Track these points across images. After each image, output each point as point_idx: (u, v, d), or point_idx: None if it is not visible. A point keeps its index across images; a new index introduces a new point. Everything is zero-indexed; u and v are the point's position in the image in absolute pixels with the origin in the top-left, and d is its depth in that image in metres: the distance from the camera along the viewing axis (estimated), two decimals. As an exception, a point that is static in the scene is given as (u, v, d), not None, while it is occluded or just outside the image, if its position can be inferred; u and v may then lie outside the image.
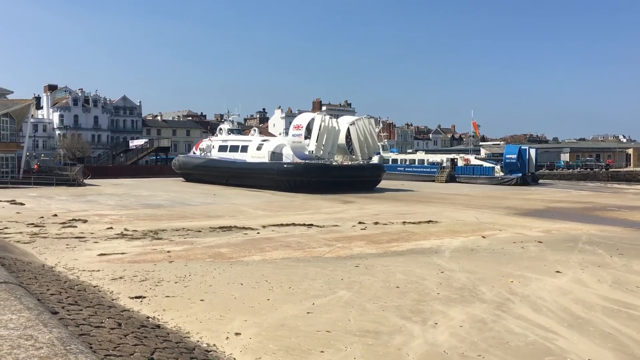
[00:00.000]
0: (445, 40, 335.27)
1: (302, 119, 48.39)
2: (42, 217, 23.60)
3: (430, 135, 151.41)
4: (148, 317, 8.94)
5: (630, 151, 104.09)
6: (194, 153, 60.72)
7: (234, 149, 53.27)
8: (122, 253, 15.34)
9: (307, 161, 45.40)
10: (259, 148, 50.28)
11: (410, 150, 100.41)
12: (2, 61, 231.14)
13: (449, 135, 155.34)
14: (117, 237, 18.49)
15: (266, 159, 48.32)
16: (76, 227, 20.84)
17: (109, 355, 5.74)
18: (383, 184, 52.86)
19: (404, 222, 23.55)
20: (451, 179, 62.40)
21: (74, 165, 58.12)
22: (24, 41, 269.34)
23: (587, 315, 9.84)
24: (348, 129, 49.32)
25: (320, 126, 45.32)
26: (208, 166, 54.78)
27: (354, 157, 49.77)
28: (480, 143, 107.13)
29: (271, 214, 27.16)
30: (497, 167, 61.52)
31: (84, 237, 18.12)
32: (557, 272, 13.54)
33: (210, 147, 56.80)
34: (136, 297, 10.30)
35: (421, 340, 8.33)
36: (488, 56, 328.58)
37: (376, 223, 23.19)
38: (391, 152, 76.23)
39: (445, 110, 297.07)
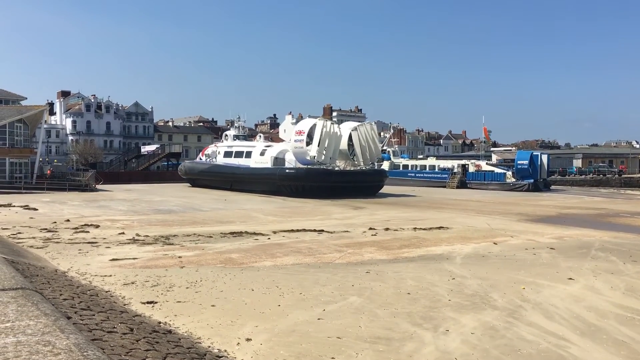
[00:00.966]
0: (457, 45, 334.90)
1: (304, 125, 49.06)
2: (55, 222, 23.80)
3: (441, 141, 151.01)
4: (160, 323, 8.98)
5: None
6: (200, 159, 61.52)
7: (239, 154, 54.00)
8: (134, 258, 15.42)
9: (309, 166, 45.99)
10: (262, 154, 50.98)
11: (421, 156, 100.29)
12: (17, 68, 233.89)
13: (460, 141, 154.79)
14: (129, 242, 18.59)
15: (269, 164, 49.01)
16: (88, 232, 21.00)
17: (121, 360, 5.78)
18: (393, 189, 52.81)
19: (415, 228, 23.49)
20: (462, 184, 62.19)
21: (87, 171, 58.58)
22: (37, 48, 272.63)
23: (600, 323, 9.75)
24: (350, 135, 49.90)
25: (321, 132, 46.01)
26: (213, 171, 55.51)
27: (356, 162, 50.27)
28: (492, 149, 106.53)
29: (282, 219, 27.20)
30: (509, 173, 61.22)
31: (96, 242, 18.25)
32: (570, 279, 13.44)
33: (216, 153, 57.60)
34: (148, 302, 10.35)
35: (432, 347, 8.30)
36: (499, 61, 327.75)
37: (387, 229, 23.14)
38: (402, 158, 76.08)
39: (456, 116, 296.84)
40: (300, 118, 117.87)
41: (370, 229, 23.12)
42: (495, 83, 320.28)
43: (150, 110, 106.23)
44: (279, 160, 48.51)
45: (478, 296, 11.50)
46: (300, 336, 8.66)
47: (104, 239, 19.19)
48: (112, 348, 6.16)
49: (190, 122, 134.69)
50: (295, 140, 48.32)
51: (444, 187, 62.32)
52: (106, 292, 11.01)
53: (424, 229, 23.26)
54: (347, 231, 22.39)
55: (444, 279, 13.21)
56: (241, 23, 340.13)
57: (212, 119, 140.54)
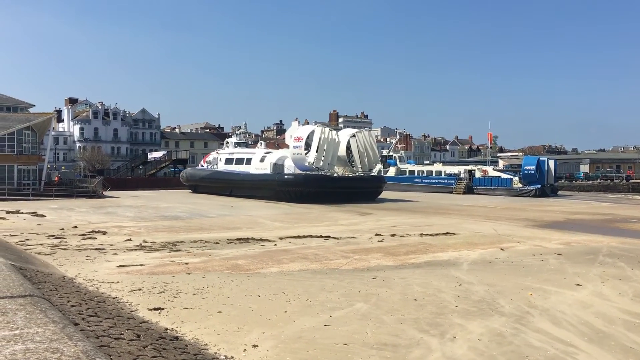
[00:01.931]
0: (462, 51, 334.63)
1: (302, 131, 49.60)
2: (63, 229, 23.92)
3: (448, 146, 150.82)
4: (166, 329, 9.01)
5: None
6: (202, 166, 62.18)
7: (239, 161, 54.84)
8: (141, 265, 15.47)
9: (307, 172, 46.54)
10: (262, 160, 51.84)
11: (427, 162, 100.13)
12: (25, 75, 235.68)
13: (467, 147, 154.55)
14: (135, 248, 18.65)
15: (268, 171, 49.90)
16: (96, 238, 21.09)
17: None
18: (400, 195, 52.76)
19: (422, 234, 23.45)
20: (469, 190, 62.02)
21: (94, 178, 58.88)
22: (45, 56, 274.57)
23: (608, 329, 9.70)
24: (349, 141, 50.45)
25: (320, 138, 46.60)
26: (213, 178, 56.34)
27: (354, 168, 50.79)
28: (498, 154, 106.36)
29: (288, 225, 27.22)
30: (516, 179, 60.99)
31: (103, 249, 18.32)
32: (577, 285, 13.37)
33: (217, 160, 58.41)
34: (155, 309, 10.38)
35: (439, 354, 8.28)
36: (506, 67, 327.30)
37: (393, 235, 23.11)
38: (408, 163, 75.99)
39: (462, 122, 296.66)
40: (306, 124, 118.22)
41: (377, 235, 23.10)
42: (502, 88, 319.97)
43: (157, 116, 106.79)
44: (278, 166, 49.43)
45: (485, 302, 11.47)
46: (306, 342, 8.67)
47: (111, 245, 19.27)
48: (119, 355, 6.19)
49: (196, 128, 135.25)
50: (293, 147, 49.00)
51: (451, 192, 62.16)
52: (113, 298, 11.05)
53: (431, 235, 23.22)
54: (353, 237, 22.38)
55: (451, 285, 13.18)
56: (247, 30, 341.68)
57: (219, 125, 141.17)
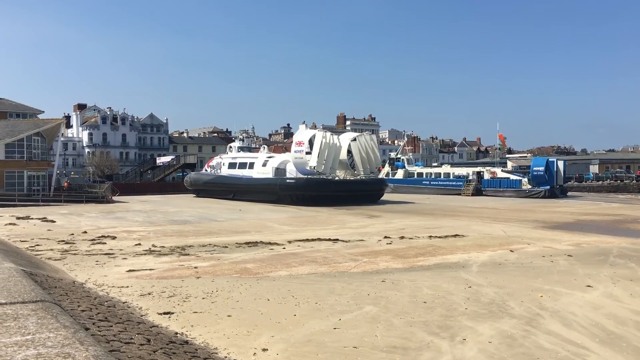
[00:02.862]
0: (470, 52, 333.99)
1: (304, 136, 50.01)
2: (73, 234, 24.05)
3: (456, 148, 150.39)
4: (176, 333, 9.03)
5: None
6: (206, 170, 62.68)
7: (242, 165, 55.36)
8: (150, 269, 15.52)
9: (308, 176, 46.96)
10: (264, 164, 52.37)
11: (435, 164, 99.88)
12: (34, 82, 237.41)
13: (475, 148, 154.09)
14: (145, 253, 18.72)
15: (270, 175, 50.29)
16: (105, 243, 21.18)
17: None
18: (408, 197, 52.69)
19: (430, 236, 23.39)
20: (477, 192, 61.83)
21: (103, 183, 59.22)
22: (54, 62, 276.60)
23: (619, 331, 9.63)
24: (350, 145, 50.92)
25: (321, 143, 47.07)
26: (217, 182, 56.89)
27: (356, 172, 51.30)
28: (507, 155, 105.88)
29: (297, 229, 27.24)
30: (525, 180, 60.72)
31: (113, 254, 18.40)
32: (588, 286, 13.29)
33: (220, 165, 58.99)
34: (164, 313, 10.42)
35: (449, 357, 8.25)
36: (514, 68, 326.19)
37: (402, 237, 23.07)
38: (416, 165, 75.88)
39: (470, 123, 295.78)
40: (314, 128, 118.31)
41: (386, 237, 23.06)
42: (510, 89, 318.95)
43: (165, 121, 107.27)
44: (280, 170, 49.83)
45: (495, 304, 11.41)
46: (316, 346, 8.66)
47: (121, 250, 19.35)
48: (129, 359, 6.21)
49: (204, 132, 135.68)
50: (295, 151, 49.59)
51: (459, 194, 61.99)
52: (123, 303, 11.09)
53: (440, 237, 23.15)
54: (362, 240, 22.36)
55: (460, 287, 13.13)
56: (255, 33, 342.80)
57: (227, 129, 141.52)
